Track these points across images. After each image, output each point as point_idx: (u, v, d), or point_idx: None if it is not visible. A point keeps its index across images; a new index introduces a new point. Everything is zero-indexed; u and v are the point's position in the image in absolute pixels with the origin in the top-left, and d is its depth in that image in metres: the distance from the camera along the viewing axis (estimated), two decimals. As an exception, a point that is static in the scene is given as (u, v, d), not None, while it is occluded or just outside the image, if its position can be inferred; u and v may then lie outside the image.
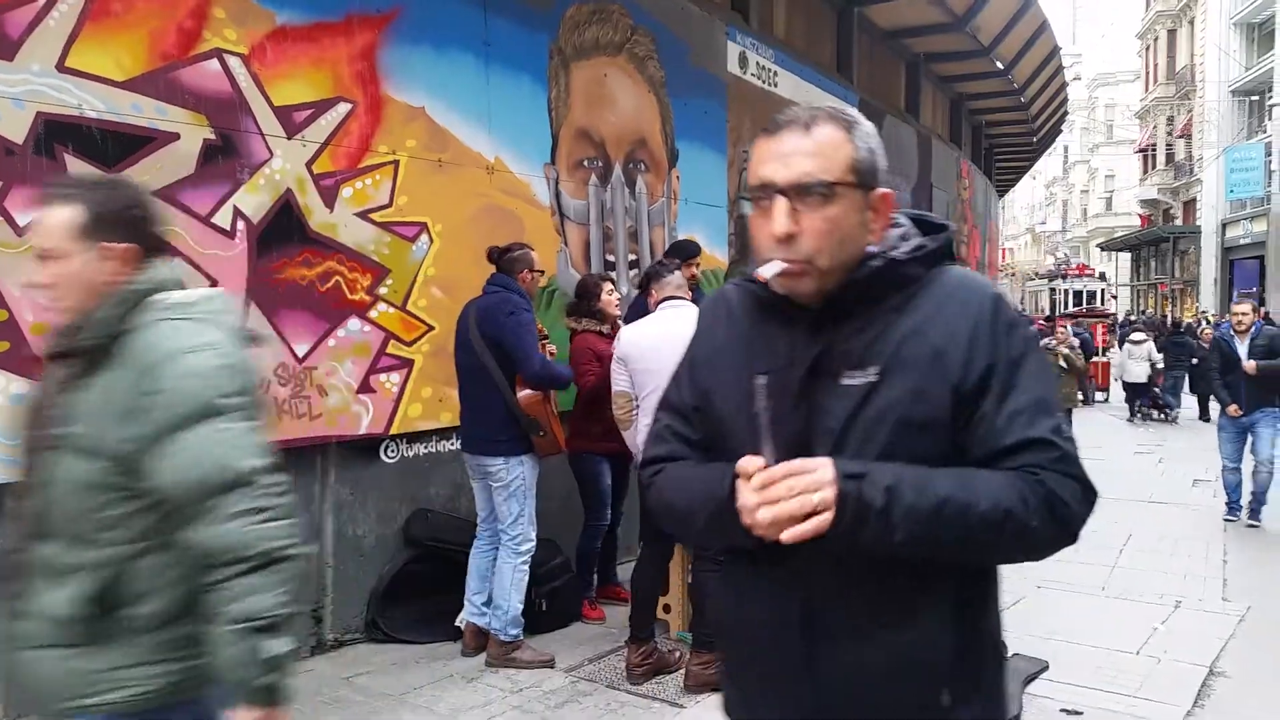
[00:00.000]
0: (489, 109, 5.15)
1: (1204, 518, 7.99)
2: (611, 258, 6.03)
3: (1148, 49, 44.38)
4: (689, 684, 4.12)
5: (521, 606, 4.38)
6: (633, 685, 4.18)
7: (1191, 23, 40.33)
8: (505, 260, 4.39)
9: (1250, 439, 7.46)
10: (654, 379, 4.08)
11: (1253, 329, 7.45)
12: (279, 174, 4.23)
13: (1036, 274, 42.31)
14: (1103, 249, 42.34)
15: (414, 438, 4.89)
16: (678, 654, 4.32)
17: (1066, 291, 28.91)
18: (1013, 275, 65.07)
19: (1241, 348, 7.38)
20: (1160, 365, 14.85)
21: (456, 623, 4.61)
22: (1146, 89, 44.25)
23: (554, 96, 5.58)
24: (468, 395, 4.40)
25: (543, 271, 4.56)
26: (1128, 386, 15.32)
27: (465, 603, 4.55)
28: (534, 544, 4.42)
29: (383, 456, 4.77)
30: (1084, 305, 27.37)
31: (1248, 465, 7.56)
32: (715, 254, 7.06)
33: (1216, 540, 7.12)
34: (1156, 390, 15.03)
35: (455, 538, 4.79)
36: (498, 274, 4.38)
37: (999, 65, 12.39)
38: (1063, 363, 10.84)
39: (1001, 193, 23.21)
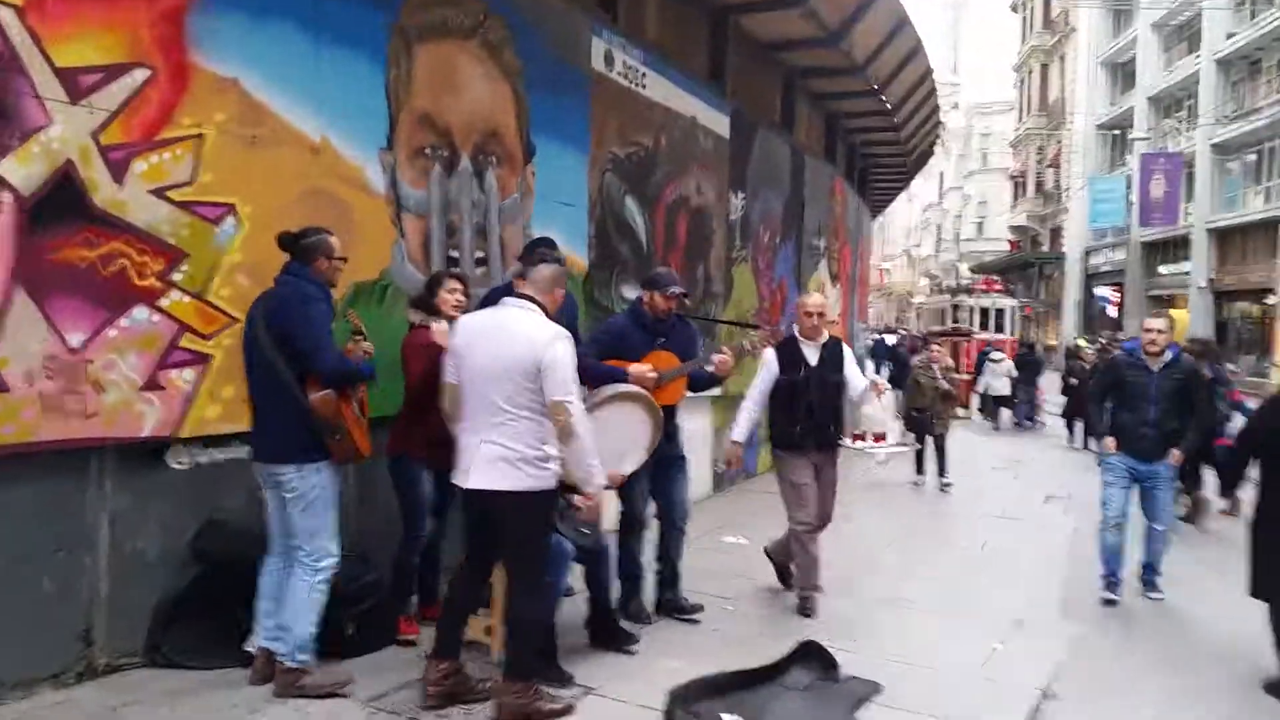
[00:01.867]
0: (317, 86, 4.74)
1: (1052, 534, 8.09)
2: (456, 253, 5.67)
3: (1023, 81, 46.31)
4: (500, 715, 3.80)
5: (315, 630, 3.99)
6: (424, 708, 3.87)
7: (1063, 59, 42.25)
8: (299, 246, 4.00)
9: (1142, 495, 6.02)
10: (466, 374, 3.79)
11: (1168, 354, 5.93)
12: (58, 142, 3.75)
13: (944, 288, 40.67)
14: (973, 272, 43.81)
15: (212, 442, 4.43)
16: (488, 683, 3.98)
17: (973, 309, 26.30)
18: (889, 295, 67.03)
19: (1151, 376, 5.88)
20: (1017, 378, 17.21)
21: (247, 647, 4.18)
22: (1020, 119, 46.16)
23: (394, 78, 5.19)
24: (256, 396, 3.99)
25: (344, 259, 4.18)
26: (992, 399, 17.65)
27: (256, 625, 4.13)
28: (335, 560, 4.04)
29: (172, 462, 4.31)
30: (991, 324, 25.95)
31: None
32: (574, 255, 6.77)
33: (1061, 557, 7.18)
34: (1016, 402, 17.37)
35: (254, 552, 4.33)
36: (291, 262, 3.99)
37: (873, 85, 12.48)
38: (941, 383, 10.69)
39: (875, 213, 23.61)
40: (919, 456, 10.77)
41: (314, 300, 3.89)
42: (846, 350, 5.68)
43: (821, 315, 5.51)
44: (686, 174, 8.55)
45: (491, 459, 3.71)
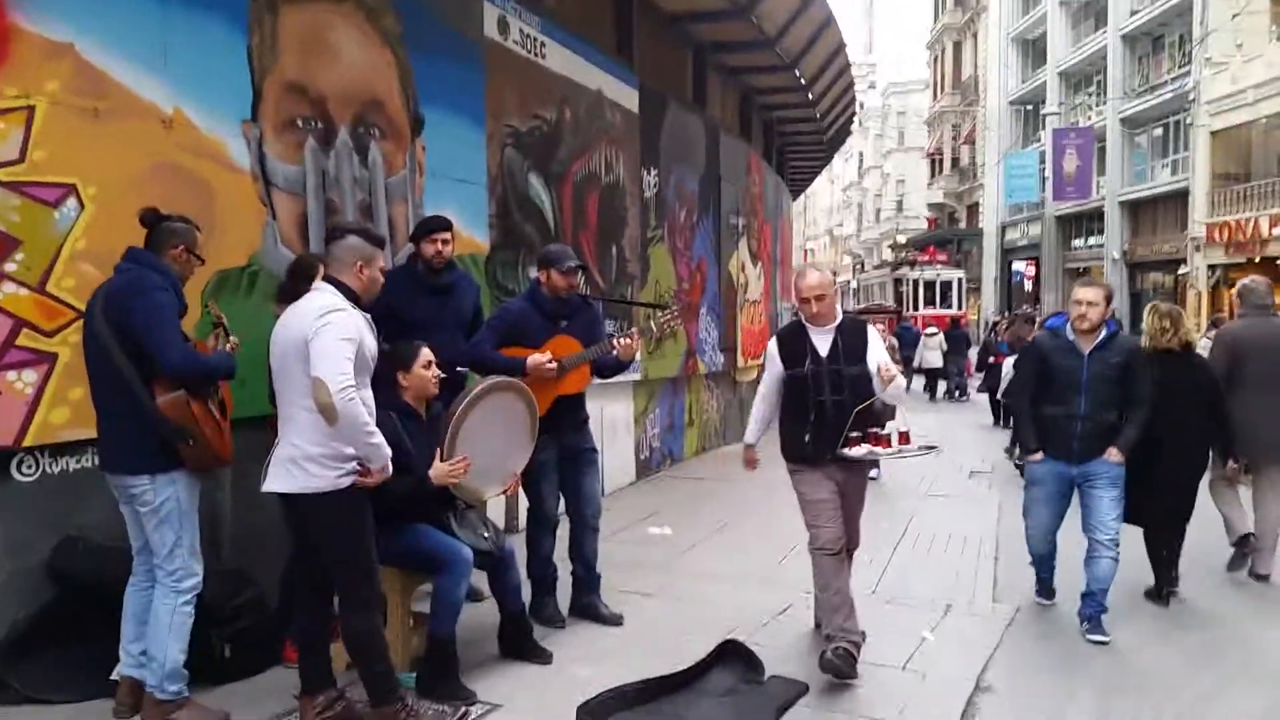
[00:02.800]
0: (167, 52, 4.26)
1: (979, 511, 7.95)
2: (338, 236, 5.22)
3: (936, 59, 46.87)
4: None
5: (184, 657, 3.56)
6: None
7: (975, 36, 42.81)
8: (157, 230, 3.56)
9: (1082, 500, 4.93)
10: (277, 378, 3.45)
11: (1102, 331, 4.84)
12: None
13: (885, 261, 38.82)
14: (893, 249, 44.28)
15: (62, 450, 3.95)
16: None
17: (916, 282, 24.74)
18: (815, 275, 67.48)
19: (1081, 359, 4.81)
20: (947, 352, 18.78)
21: (113, 676, 3.73)
22: (935, 98, 46.75)
23: (257, 43, 4.71)
24: (98, 399, 3.53)
25: (203, 260, 3.76)
26: (926, 372, 19.16)
27: (121, 652, 3.68)
28: (198, 579, 3.60)
29: (15, 474, 3.82)
30: (937, 299, 24.57)
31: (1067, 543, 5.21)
32: (473, 236, 6.37)
33: (990, 536, 7.02)
34: (948, 375, 18.81)
35: (116, 571, 3.87)
36: (136, 249, 3.55)
37: (786, 59, 12.25)
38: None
39: (795, 192, 23.52)
40: None
41: (156, 289, 3.44)
42: (871, 334, 4.42)
43: (821, 298, 4.28)
44: (595, 150, 8.18)
45: (282, 460, 3.38)
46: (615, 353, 4.74)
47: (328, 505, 3.35)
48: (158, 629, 3.55)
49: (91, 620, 3.86)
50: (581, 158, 7.93)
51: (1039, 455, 4.98)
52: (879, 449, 4.28)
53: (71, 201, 3.90)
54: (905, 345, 17.93)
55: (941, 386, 19.19)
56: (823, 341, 4.31)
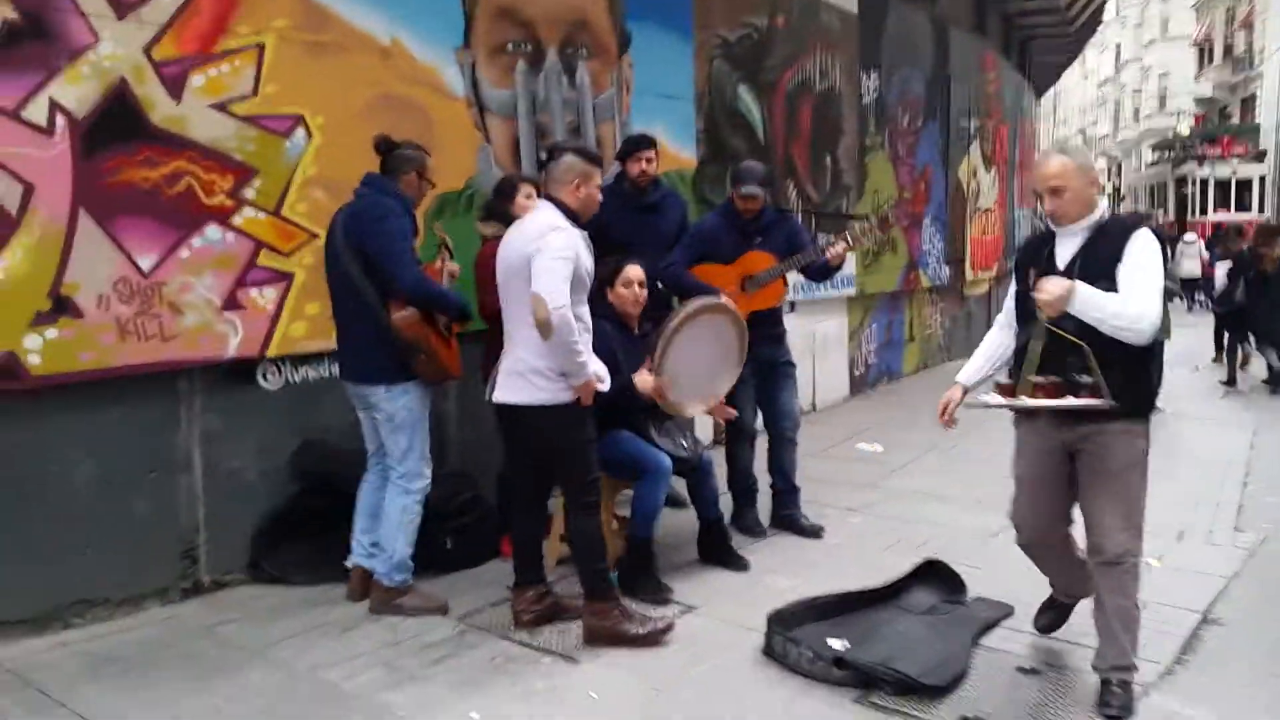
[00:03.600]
0: (384, -17, 4.49)
1: (1229, 433, 7.29)
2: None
3: (1209, -66, 41.66)
4: (587, 637, 3.62)
5: (410, 550, 3.89)
6: (522, 632, 3.73)
7: (1257, -98, 37.61)
8: (391, 157, 3.79)
9: None
10: (502, 294, 3.57)
11: None
12: (109, 61, 3.65)
13: (1164, 158, 31.55)
14: (1154, 150, 40.39)
15: (301, 360, 4.36)
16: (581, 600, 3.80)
17: (1205, 182, 19.91)
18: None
19: None
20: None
21: (346, 564, 4.14)
22: (1206, -23, 41.62)
23: (467, -31, 4.88)
24: (340, 315, 3.85)
25: (434, 184, 3.96)
26: (1183, 281, 18.38)
27: (353, 543, 4.07)
28: (428, 481, 3.91)
29: (261, 382, 4.26)
30: (1231, 202, 20.52)
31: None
32: (680, 153, 6.37)
33: (1240, 460, 6.43)
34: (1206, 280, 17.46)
35: (351, 470, 4.27)
36: (373, 174, 3.78)
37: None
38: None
39: (1040, 89, 21.80)
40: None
41: (393, 215, 3.67)
42: (1139, 239, 3.03)
43: (1058, 191, 3.06)
44: (808, 56, 7.91)
45: (508, 372, 3.51)
46: (825, 259, 4.62)
47: (552, 416, 3.49)
48: (388, 524, 3.88)
49: (328, 514, 4.28)
50: (794, 65, 7.70)
51: None
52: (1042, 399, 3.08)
53: (300, 131, 4.22)
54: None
55: (1198, 299, 18.56)
56: (1067, 248, 3.14)
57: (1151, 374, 3.09)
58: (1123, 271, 2.98)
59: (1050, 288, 2.93)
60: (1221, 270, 10.61)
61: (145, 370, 3.80)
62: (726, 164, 6.90)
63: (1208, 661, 3.49)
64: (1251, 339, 9.70)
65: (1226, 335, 10.13)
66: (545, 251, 3.33)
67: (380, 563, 3.91)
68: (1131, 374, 3.01)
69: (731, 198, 4.74)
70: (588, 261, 3.49)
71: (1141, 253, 3.00)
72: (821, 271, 4.79)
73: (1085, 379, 2.98)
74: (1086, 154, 3.26)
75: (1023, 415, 3.28)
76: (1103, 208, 3.15)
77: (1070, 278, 2.98)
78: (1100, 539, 3.15)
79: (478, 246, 4.45)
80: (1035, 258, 3.22)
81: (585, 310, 3.51)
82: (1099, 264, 3.02)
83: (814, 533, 4.87)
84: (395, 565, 3.88)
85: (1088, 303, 2.92)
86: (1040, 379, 3.06)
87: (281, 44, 4.12)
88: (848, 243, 4.70)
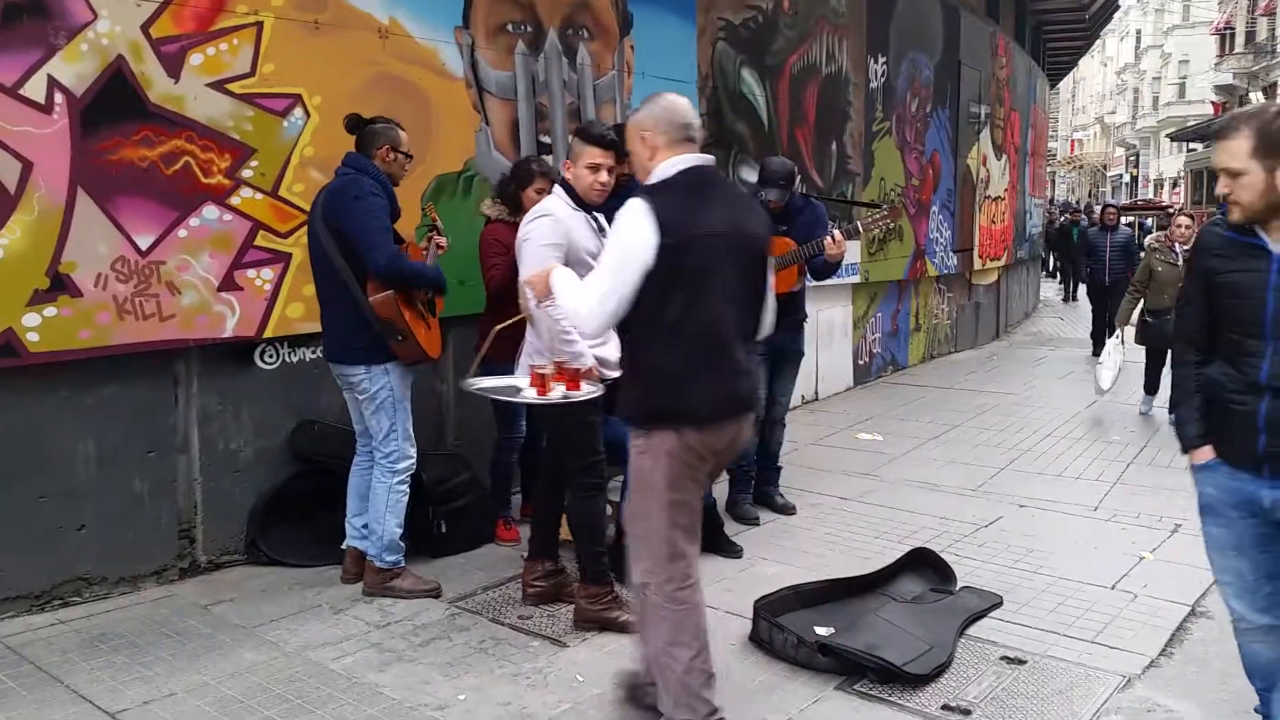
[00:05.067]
0: (382, -37, 4.48)
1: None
2: (547, 139, 5.36)
3: (1232, -81, 41.14)
4: (577, 620, 3.64)
5: (400, 530, 3.91)
6: (524, 605, 3.83)
7: (1281, -113, 37.09)
8: (362, 134, 3.78)
9: None
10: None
11: None
12: (106, 38, 3.65)
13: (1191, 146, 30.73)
14: (1173, 139, 40.02)
15: (298, 341, 4.38)
16: (581, 583, 3.82)
17: None
18: (1080, 168, 62.21)
19: None
20: None
21: (343, 546, 4.16)
22: (1228, -37, 41.14)
23: (467, -52, 4.86)
24: (322, 295, 3.85)
25: (410, 155, 3.93)
26: None
27: (345, 525, 4.09)
28: (413, 461, 3.92)
29: (258, 362, 4.28)
30: None
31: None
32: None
33: (1240, 453, 6.39)
34: None
35: (346, 452, 4.29)
36: (352, 153, 3.78)
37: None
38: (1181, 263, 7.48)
39: (1054, 76, 21.61)
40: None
41: (368, 194, 3.66)
42: None
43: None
44: (814, 39, 7.86)
45: (528, 354, 3.57)
46: (822, 255, 4.63)
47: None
48: (376, 506, 3.90)
49: (325, 495, 4.30)
50: (799, 48, 7.65)
51: (1207, 450, 2.59)
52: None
53: (298, 111, 4.22)
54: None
55: None
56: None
57: None
58: None
59: None
60: None
61: (143, 349, 3.82)
62: (730, 148, 6.89)
63: (1193, 655, 3.49)
64: None
65: None
66: (527, 242, 3.38)
67: (371, 544, 3.94)
68: None
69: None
70: (586, 243, 3.45)
71: None
72: (823, 269, 4.79)
73: None
74: None
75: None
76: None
77: None
78: None
79: (480, 226, 4.46)
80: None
81: None
82: None
83: (787, 510, 5.05)
84: (385, 546, 3.90)
85: None
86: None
87: (279, 23, 4.12)
88: (845, 234, 4.70)
